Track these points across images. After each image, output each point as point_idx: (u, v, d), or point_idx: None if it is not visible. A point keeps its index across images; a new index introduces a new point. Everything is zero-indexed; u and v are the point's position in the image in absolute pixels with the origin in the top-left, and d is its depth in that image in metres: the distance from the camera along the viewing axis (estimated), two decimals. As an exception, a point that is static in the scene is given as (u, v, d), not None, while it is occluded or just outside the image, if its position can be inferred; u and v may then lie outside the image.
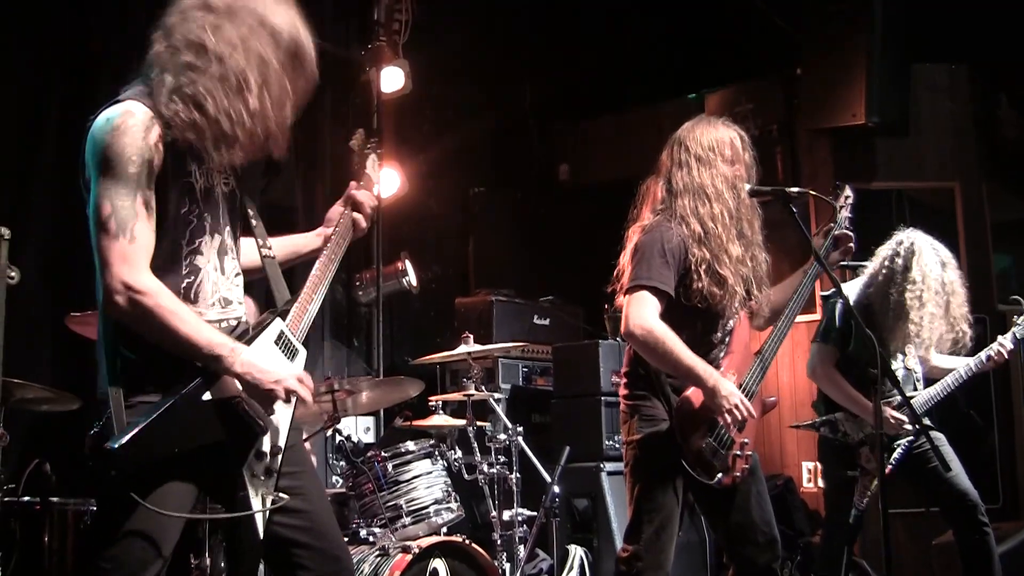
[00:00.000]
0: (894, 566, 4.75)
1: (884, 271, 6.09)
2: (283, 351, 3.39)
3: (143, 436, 2.98)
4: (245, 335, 3.32)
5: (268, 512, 3.28)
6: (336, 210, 3.90)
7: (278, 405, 3.32)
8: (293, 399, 3.35)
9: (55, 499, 5.31)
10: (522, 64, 10.74)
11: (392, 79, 9.04)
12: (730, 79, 10.04)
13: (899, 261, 6.05)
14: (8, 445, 5.13)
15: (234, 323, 3.41)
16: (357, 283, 9.24)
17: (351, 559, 3.68)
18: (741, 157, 4.82)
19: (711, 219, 4.65)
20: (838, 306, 6.16)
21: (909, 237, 6.14)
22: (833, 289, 6.18)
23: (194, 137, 3.22)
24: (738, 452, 4.63)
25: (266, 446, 3.28)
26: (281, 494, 3.29)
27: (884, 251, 6.17)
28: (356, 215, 3.88)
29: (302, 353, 3.48)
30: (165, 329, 3.10)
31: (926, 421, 6.21)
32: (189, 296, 3.26)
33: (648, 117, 10.14)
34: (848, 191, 5.27)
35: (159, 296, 3.10)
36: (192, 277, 3.28)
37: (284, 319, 3.44)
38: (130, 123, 3.14)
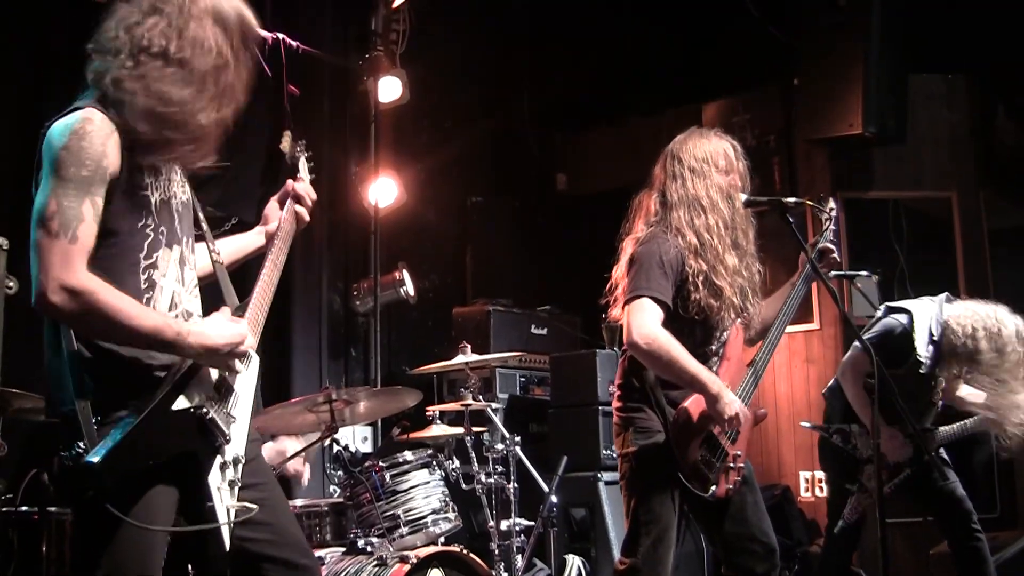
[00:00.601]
0: (892, 576, 4.77)
1: (968, 328, 5.99)
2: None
3: (120, 449, 2.97)
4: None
5: (234, 524, 3.27)
6: (273, 207, 3.91)
7: (237, 411, 3.34)
8: (249, 365, 3.39)
9: (53, 509, 5.30)
10: (520, 73, 10.77)
11: (390, 89, 9.06)
12: (728, 89, 10.06)
13: (983, 330, 5.95)
14: (6, 455, 5.13)
15: None
16: (355, 293, 9.25)
17: (318, 567, 3.68)
18: (735, 167, 4.84)
19: (706, 230, 4.67)
20: (897, 324, 6.09)
21: (1006, 315, 6.03)
22: (899, 303, 6.15)
23: (159, 139, 3.25)
24: (731, 464, 4.64)
25: (229, 456, 3.28)
26: (248, 504, 3.29)
27: (981, 310, 6.07)
28: (298, 208, 3.89)
29: (255, 360, 3.48)
30: (106, 325, 3.08)
31: (942, 452, 6.20)
32: (148, 306, 3.24)
33: (646, 127, 10.16)
34: (832, 204, 5.27)
35: (98, 293, 3.06)
36: (151, 292, 3.27)
37: None
38: (88, 129, 3.15)
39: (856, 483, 6.06)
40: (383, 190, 9.18)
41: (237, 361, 3.33)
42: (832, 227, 5.20)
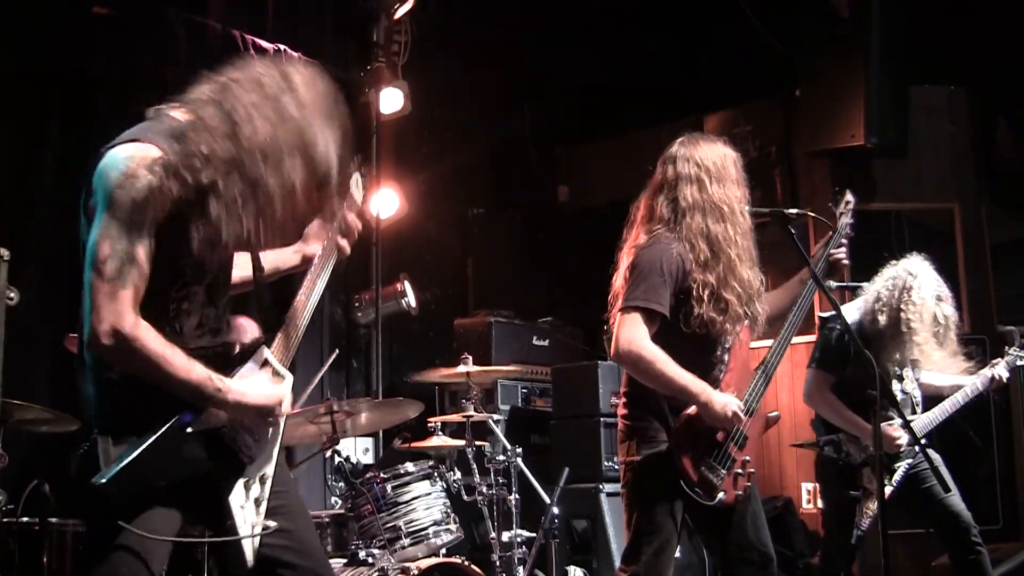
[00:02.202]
0: (894, 587, 4.77)
1: (884, 293, 6.06)
2: (268, 376, 3.38)
3: (130, 469, 2.96)
4: (231, 362, 3.30)
5: (257, 539, 3.27)
6: (315, 227, 3.82)
7: (268, 431, 3.33)
8: (282, 422, 3.35)
9: (54, 520, 5.29)
10: (521, 85, 10.77)
11: (391, 100, 9.06)
12: (729, 101, 10.07)
13: (900, 283, 6.02)
14: (7, 466, 5.12)
15: (220, 349, 3.37)
16: (356, 304, 9.25)
17: None
18: (743, 178, 4.77)
19: (723, 239, 4.56)
20: (831, 331, 6.13)
21: (912, 262, 6.12)
22: (831, 312, 6.16)
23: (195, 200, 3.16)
24: (739, 471, 4.58)
25: (254, 475, 3.28)
26: (269, 522, 3.29)
27: (886, 273, 6.14)
28: (342, 241, 3.77)
29: (288, 378, 3.44)
30: (152, 372, 3.08)
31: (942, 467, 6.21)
32: (175, 329, 3.24)
33: (647, 139, 10.13)
34: (849, 196, 5.25)
35: (147, 342, 3.06)
36: (179, 320, 3.27)
37: (269, 345, 3.42)
38: (145, 170, 3.08)
39: (860, 489, 6.05)
40: (384, 201, 9.17)
41: (269, 425, 3.33)
42: (849, 220, 5.17)
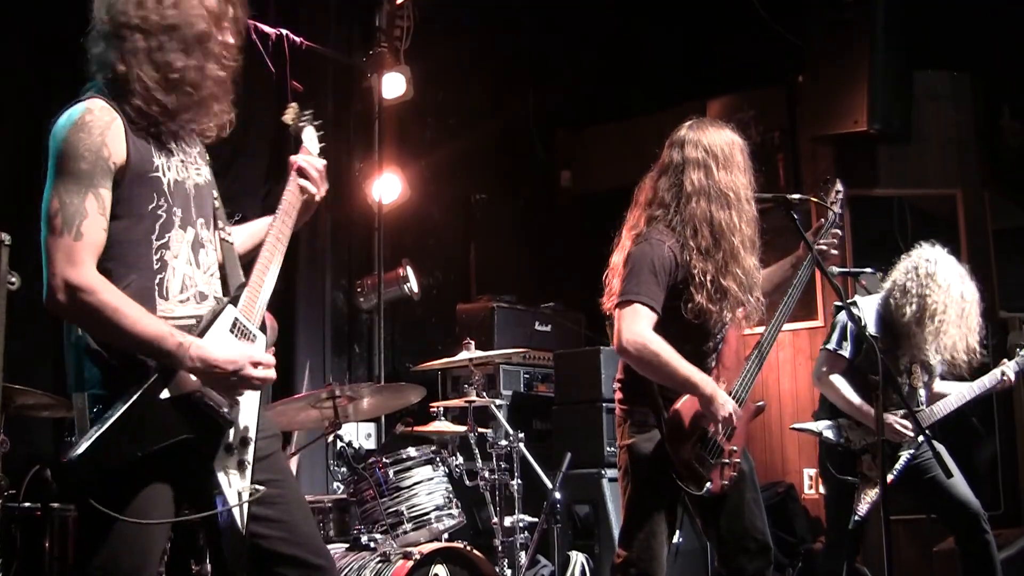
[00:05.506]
0: (896, 573, 4.74)
1: (909, 284, 6.04)
2: (239, 338, 3.30)
3: (101, 443, 2.94)
4: (196, 326, 3.23)
5: (247, 518, 3.23)
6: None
7: (244, 394, 3.28)
8: (258, 384, 3.29)
9: (56, 505, 5.30)
10: (524, 70, 10.76)
11: (394, 85, 9.04)
12: (733, 86, 10.05)
13: (921, 271, 6.02)
14: (9, 451, 5.12)
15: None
16: (358, 289, 9.25)
17: (334, 565, 3.63)
18: (749, 166, 4.74)
19: (728, 227, 4.54)
20: (848, 318, 6.12)
21: (925, 250, 6.13)
22: (850, 299, 6.17)
23: (160, 114, 3.25)
24: (726, 460, 4.61)
25: (234, 439, 3.24)
26: (258, 486, 3.24)
27: (902, 266, 6.15)
28: (302, 182, 3.73)
29: (260, 338, 3.39)
30: (108, 325, 3.05)
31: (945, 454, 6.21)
32: (161, 292, 3.22)
33: (651, 125, 10.09)
34: (839, 185, 5.24)
35: (101, 293, 3.04)
36: (163, 272, 3.24)
37: (236, 305, 3.35)
38: (87, 119, 3.14)
39: (858, 475, 6.05)
40: (387, 187, 9.16)
41: (241, 387, 3.24)
42: (838, 210, 5.15)
